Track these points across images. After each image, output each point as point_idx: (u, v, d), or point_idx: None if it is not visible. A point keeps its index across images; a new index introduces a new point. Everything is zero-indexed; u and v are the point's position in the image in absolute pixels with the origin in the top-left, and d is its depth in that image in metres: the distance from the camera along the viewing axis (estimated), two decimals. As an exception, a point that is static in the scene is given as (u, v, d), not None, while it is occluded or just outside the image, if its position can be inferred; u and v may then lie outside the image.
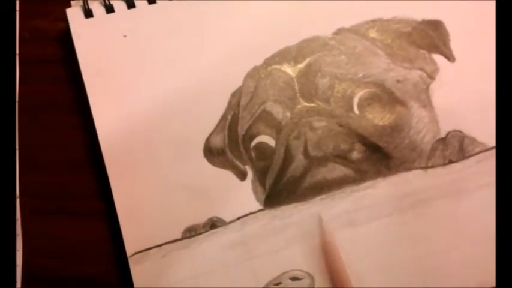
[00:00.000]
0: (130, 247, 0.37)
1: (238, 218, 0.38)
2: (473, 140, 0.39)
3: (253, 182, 0.39)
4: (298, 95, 0.40)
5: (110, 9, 0.41)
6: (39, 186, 0.40)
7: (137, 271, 0.37)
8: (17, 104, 0.41)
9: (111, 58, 0.40)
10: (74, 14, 0.41)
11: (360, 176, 0.38)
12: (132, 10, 0.41)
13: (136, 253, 0.37)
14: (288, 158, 0.39)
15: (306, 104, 0.39)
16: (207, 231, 0.38)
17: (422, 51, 0.41)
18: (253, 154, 0.39)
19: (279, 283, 0.37)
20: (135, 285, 0.36)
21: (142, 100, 0.40)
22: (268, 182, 0.39)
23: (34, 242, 0.39)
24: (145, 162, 0.39)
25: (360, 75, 0.40)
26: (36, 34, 0.43)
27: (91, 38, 0.40)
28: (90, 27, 0.40)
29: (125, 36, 0.40)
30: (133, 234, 0.37)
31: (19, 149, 0.41)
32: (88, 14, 0.41)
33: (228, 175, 0.39)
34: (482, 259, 0.36)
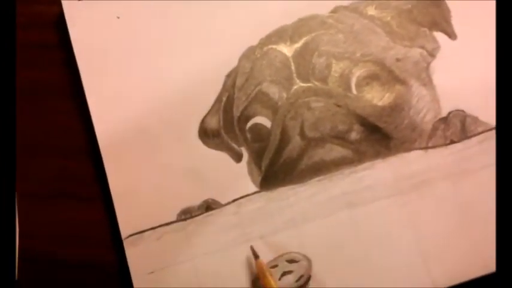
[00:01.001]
0: (125, 229, 0.37)
1: (234, 200, 0.37)
2: (475, 120, 0.38)
3: (248, 163, 0.38)
4: (294, 75, 0.39)
5: (103, -10, 0.41)
6: (35, 170, 0.40)
7: (132, 253, 0.37)
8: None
9: (105, 40, 0.40)
10: (67, -4, 0.41)
11: (358, 157, 0.38)
12: (125, -9, 0.41)
13: (131, 235, 0.37)
14: (284, 139, 0.38)
15: (303, 84, 0.39)
16: (202, 213, 0.37)
17: (422, 29, 0.39)
18: (248, 135, 0.39)
19: (276, 265, 0.36)
20: (130, 267, 0.36)
21: (136, 82, 0.39)
22: (264, 163, 0.38)
23: (30, 226, 0.40)
24: (139, 145, 0.39)
25: (358, 54, 0.39)
26: (32, 19, 0.43)
27: (84, 21, 0.40)
28: (84, 9, 0.40)
29: (118, 17, 0.40)
30: (128, 217, 0.37)
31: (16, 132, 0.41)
32: (81, -5, 0.41)
33: (223, 157, 0.38)
34: (483, 242, 0.35)
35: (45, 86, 0.42)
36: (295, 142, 0.38)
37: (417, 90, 0.38)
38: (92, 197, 0.39)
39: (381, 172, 0.37)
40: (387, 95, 0.38)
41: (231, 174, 0.38)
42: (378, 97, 0.38)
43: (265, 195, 0.38)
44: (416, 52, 0.39)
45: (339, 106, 0.38)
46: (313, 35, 0.39)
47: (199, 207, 0.37)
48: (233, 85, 0.39)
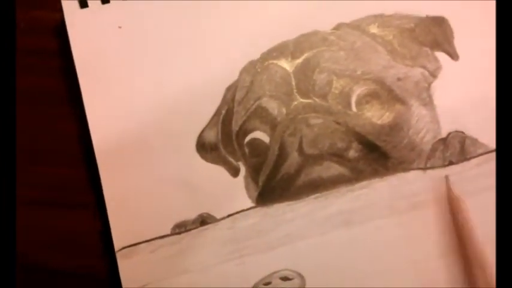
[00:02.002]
0: (118, 241, 0.37)
1: (229, 215, 0.37)
2: (475, 141, 0.38)
3: (245, 178, 0.38)
4: (294, 90, 0.39)
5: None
6: (30, 177, 0.40)
7: (125, 265, 0.36)
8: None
9: (106, 49, 0.40)
10: (69, 4, 0.40)
11: (356, 175, 0.37)
12: (128, 1, 0.40)
13: (124, 247, 0.37)
14: (282, 155, 0.38)
15: (303, 100, 0.38)
16: (197, 227, 0.37)
17: (424, 49, 0.39)
18: (246, 150, 0.38)
19: (269, 283, 0.36)
20: (122, 280, 0.36)
21: (135, 93, 0.39)
22: (261, 179, 0.38)
23: (24, 233, 0.39)
24: (136, 156, 0.38)
25: (359, 71, 0.38)
26: (32, 24, 0.42)
27: (86, 29, 0.40)
28: (85, 18, 0.40)
29: (120, 27, 0.40)
30: (122, 229, 0.37)
31: (13, 139, 0.41)
32: (83, 4, 0.40)
33: (220, 171, 0.38)
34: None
35: (42, 92, 0.41)
36: (293, 158, 0.38)
37: (417, 110, 0.38)
38: (85, 206, 0.39)
39: (378, 191, 0.37)
40: (387, 114, 0.38)
41: (227, 189, 0.38)
42: (377, 116, 0.38)
43: (261, 210, 0.37)
44: (417, 72, 0.39)
45: (338, 123, 0.38)
46: (314, 51, 0.39)
47: (194, 221, 0.37)
48: (233, 98, 0.39)
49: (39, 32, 0.42)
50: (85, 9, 0.40)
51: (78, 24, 0.40)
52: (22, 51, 0.41)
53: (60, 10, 0.40)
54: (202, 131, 0.39)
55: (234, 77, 0.39)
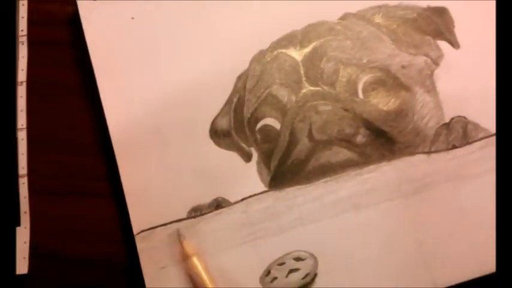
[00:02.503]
0: (136, 225, 0.38)
1: (243, 199, 0.38)
2: (476, 126, 0.39)
3: (258, 163, 0.39)
4: (303, 79, 0.40)
5: (118, -9, 0.42)
6: (48, 166, 0.41)
7: (143, 248, 0.37)
8: (26, 85, 0.42)
9: (119, 40, 0.41)
10: (83, -4, 0.41)
11: (364, 159, 0.39)
12: (140, -7, 0.41)
13: (142, 231, 0.38)
14: (292, 141, 0.39)
15: (311, 88, 0.40)
16: (212, 211, 0.38)
17: (427, 38, 0.41)
18: (258, 136, 0.40)
19: (283, 263, 0.37)
20: (141, 262, 0.37)
21: (149, 83, 0.40)
22: (273, 164, 0.39)
23: (42, 221, 0.40)
24: (152, 144, 0.39)
25: (365, 60, 0.40)
26: (45, 17, 0.43)
27: (99, 20, 0.41)
28: (99, 9, 0.41)
29: (132, 18, 0.41)
30: (140, 213, 0.38)
31: (28, 129, 0.41)
32: (97, -4, 0.41)
33: (233, 156, 0.39)
34: (483, 244, 0.37)
35: (58, 83, 0.42)
36: (303, 144, 0.39)
37: (421, 96, 0.40)
38: (102, 194, 0.40)
39: (385, 175, 0.39)
40: (392, 100, 0.40)
41: (240, 174, 0.39)
42: (383, 102, 0.40)
43: (274, 194, 0.39)
44: (421, 60, 0.40)
45: (346, 110, 0.39)
46: (322, 40, 0.40)
47: (209, 205, 0.38)
48: (244, 87, 0.40)
49: (52, 24, 0.43)
50: (98, 1, 0.41)
51: (92, 16, 0.41)
52: (35, 43, 0.42)
53: (73, 2, 0.41)
54: (215, 119, 0.40)
55: (244, 66, 0.41)
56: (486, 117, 0.39)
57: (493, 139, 0.39)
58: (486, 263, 0.36)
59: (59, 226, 0.40)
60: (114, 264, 0.39)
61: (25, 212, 0.40)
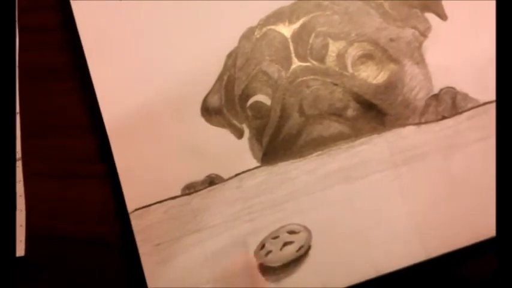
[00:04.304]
0: (131, 204, 0.38)
1: (236, 175, 0.39)
2: (465, 96, 0.39)
3: (250, 139, 0.40)
4: (293, 55, 0.40)
5: (106, -27, 0.42)
6: (42, 149, 0.41)
7: (138, 226, 0.38)
8: (17, 70, 0.42)
9: (109, 22, 0.41)
10: (71, -21, 0.41)
11: (355, 132, 0.39)
12: (128, -26, 0.42)
13: (137, 209, 0.38)
14: (284, 116, 0.39)
15: (301, 63, 0.40)
16: (206, 187, 0.39)
17: (414, 10, 0.41)
18: (249, 113, 0.40)
19: (277, 236, 0.38)
20: (136, 239, 0.37)
21: (140, 64, 0.40)
22: (265, 139, 0.39)
23: (38, 204, 0.40)
24: (144, 123, 0.40)
25: (354, 34, 0.40)
26: (35, 1, 0.43)
27: (89, 3, 0.41)
28: (87, -8, 0.41)
29: (121, -1, 0.41)
30: (134, 192, 0.38)
31: (21, 113, 0.42)
32: (85, -22, 0.41)
33: (225, 133, 0.40)
34: (473, 212, 0.37)
35: (49, 67, 0.42)
36: (295, 119, 0.39)
37: (410, 69, 0.40)
38: (96, 175, 0.40)
39: (376, 147, 0.39)
40: (381, 73, 0.40)
41: (233, 150, 0.39)
42: (372, 76, 0.40)
43: (266, 169, 0.39)
44: (408, 32, 0.41)
45: (336, 84, 0.40)
46: (310, 16, 0.41)
47: (203, 182, 0.39)
48: (234, 65, 0.41)
49: (42, 9, 0.43)
50: (87, -16, 0.41)
51: (81, -1, 0.41)
52: (27, 28, 0.43)
53: (61, -14, 0.41)
54: (206, 97, 0.40)
55: (234, 44, 0.41)
56: (475, 87, 0.39)
57: (482, 109, 0.39)
58: (477, 230, 0.37)
59: (54, 208, 0.40)
60: (110, 243, 0.39)
61: (20, 196, 0.40)
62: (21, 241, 0.40)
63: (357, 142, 0.39)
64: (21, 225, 0.40)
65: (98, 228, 0.40)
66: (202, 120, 0.40)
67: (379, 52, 0.40)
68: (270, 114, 0.40)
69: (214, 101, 0.40)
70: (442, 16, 0.41)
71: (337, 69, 0.40)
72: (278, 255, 0.38)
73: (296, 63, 0.40)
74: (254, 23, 0.41)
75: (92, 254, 0.40)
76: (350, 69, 0.40)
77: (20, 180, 0.40)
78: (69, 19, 0.41)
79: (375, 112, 0.39)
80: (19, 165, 0.41)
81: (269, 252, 0.38)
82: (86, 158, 0.41)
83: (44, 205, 0.41)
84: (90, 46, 0.41)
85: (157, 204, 0.38)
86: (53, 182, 0.41)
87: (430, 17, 0.41)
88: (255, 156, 0.39)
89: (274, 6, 0.41)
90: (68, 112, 0.42)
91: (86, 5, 0.41)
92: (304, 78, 0.40)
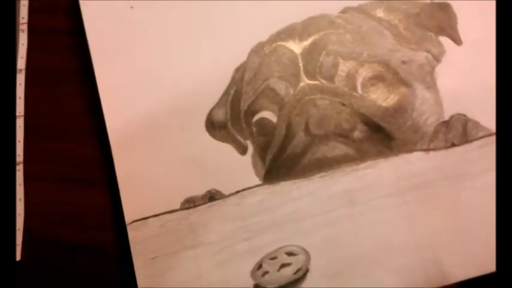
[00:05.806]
0: (129, 215, 0.38)
1: (237, 192, 0.38)
2: (476, 124, 0.38)
3: (253, 156, 0.39)
4: (302, 72, 0.40)
5: (118, -20, 0.41)
6: (43, 153, 0.41)
7: (135, 238, 0.37)
8: (24, 71, 0.42)
9: (118, 29, 0.41)
10: (82, -16, 0.41)
11: (360, 155, 0.38)
12: (140, -18, 0.41)
13: (134, 221, 0.38)
14: (289, 135, 0.39)
15: (310, 81, 0.39)
16: (205, 203, 0.38)
17: (429, 33, 0.40)
18: (254, 129, 0.39)
19: (275, 257, 0.37)
20: (132, 251, 0.37)
21: (147, 72, 0.40)
22: (268, 157, 0.39)
23: (36, 208, 0.40)
24: (147, 133, 0.39)
25: (365, 54, 0.39)
26: (46, 4, 0.43)
27: (99, 9, 0.41)
28: (98, -2, 0.41)
29: (132, 7, 0.41)
30: (133, 203, 0.38)
31: (25, 116, 0.41)
32: (96, -16, 0.41)
33: (228, 149, 0.39)
34: (481, 244, 0.36)
35: (55, 70, 0.42)
36: (300, 138, 0.39)
37: (421, 93, 0.39)
38: (97, 182, 0.40)
39: (382, 171, 0.38)
40: (391, 96, 0.39)
41: (235, 166, 0.39)
42: (382, 98, 0.39)
43: (268, 188, 0.38)
44: (421, 56, 0.40)
45: (344, 105, 0.39)
46: (321, 34, 0.40)
47: (203, 197, 0.38)
48: (241, 79, 0.40)
49: (52, 12, 0.43)
50: (97, -11, 0.41)
51: (92, 4, 0.41)
52: (34, 30, 0.42)
53: (73, -10, 0.41)
54: (211, 110, 0.40)
55: (243, 58, 0.40)
56: (486, 115, 0.38)
57: (493, 138, 0.38)
58: (483, 262, 0.36)
59: (52, 213, 0.40)
60: (105, 252, 0.39)
61: (20, 199, 0.40)
62: (18, 245, 0.39)
63: (362, 165, 0.38)
64: (18, 229, 0.40)
65: (96, 236, 0.40)
66: (206, 134, 0.39)
67: (390, 74, 0.39)
68: (275, 132, 0.39)
69: (220, 115, 0.40)
70: (457, 41, 0.40)
71: (346, 89, 0.39)
72: (275, 277, 0.37)
73: (304, 81, 0.39)
74: (264, 38, 0.40)
75: (88, 260, 0.40)
76: (359, 90, 0.39)
77: (21, 184, 0.40)
78: (79, 23, 0.41)
79: (382, 135, 0.39)
80: (20, 168, 0.41)
81: (266, 273, 0.37)
82: (86, 164, 0.41)
83: (42, 209, 0.40)
84: (98, 51, 0.41)
85: (154, 218, 0.38)
86: (52, 186, 0.41)
87: (445, 41, 0.40)
88: (257, 174, 0.39)
89: (286, 22, 0.40)
90: (71, 116, 0.42)
91: (95, 10, 0.41)
92: (312, 96, 0.39)
